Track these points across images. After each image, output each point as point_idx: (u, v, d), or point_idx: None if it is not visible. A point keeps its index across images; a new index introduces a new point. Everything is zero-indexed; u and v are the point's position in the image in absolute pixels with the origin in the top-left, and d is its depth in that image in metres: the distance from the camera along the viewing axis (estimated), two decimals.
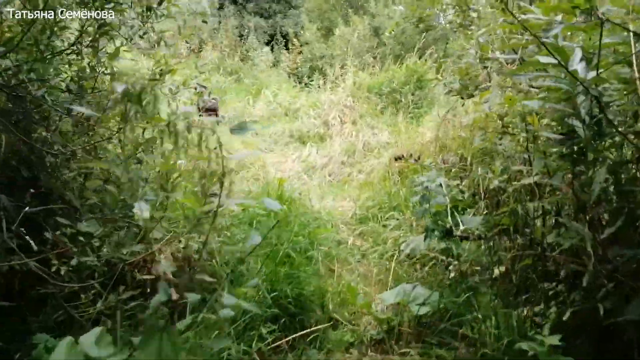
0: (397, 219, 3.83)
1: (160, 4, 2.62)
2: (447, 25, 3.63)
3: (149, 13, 2.59)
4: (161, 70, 2.66)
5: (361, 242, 3.76)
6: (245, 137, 7.68)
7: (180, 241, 2.44)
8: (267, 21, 14.92)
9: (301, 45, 12.70)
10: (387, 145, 6.43)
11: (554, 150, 1.69)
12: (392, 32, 8.85)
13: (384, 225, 3.81)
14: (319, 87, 9.86)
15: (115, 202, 2.02)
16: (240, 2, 14.98)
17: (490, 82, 3.07)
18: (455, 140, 4.59)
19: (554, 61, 1.42)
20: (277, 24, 14.82)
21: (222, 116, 9.31)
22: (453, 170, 3.37)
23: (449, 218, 2.32)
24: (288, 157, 7.13)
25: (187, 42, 13.03)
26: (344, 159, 6.55)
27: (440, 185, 2.31)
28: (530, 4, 3.15)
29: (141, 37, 2.68)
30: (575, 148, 1.55)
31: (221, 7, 14.28)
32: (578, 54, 1.45)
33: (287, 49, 13.41)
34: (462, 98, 3.22)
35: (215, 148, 1.35)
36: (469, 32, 3.31)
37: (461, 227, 2.29)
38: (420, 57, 9.02)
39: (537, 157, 1.66)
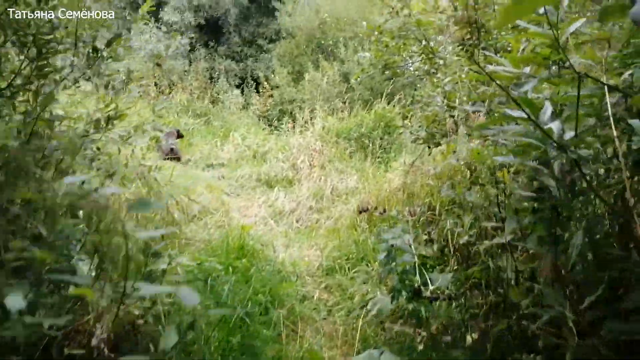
0: (365, 271, 3.66)
1: (108, 45, 2.47)
2: (415, 72, 3.61)
3: (95, 55, 2.43)
4: (108, 115, 2.47)
5: (327, 295, 3.55)
6: (211, 181, 7.45)
7: (122, 304, 2.20)
8: (238, 64, 15.00)
9: (272, 89, 12.75)
10: (356, 191, 6.32)
11: (525, 204, 1.59)
12: (359, 79, 8.93)
13: (352, 278, 3.62)
14: (288, 130, 9.81)
15: (42, 263, 1.78)
16: (211, 45, 15.06)
17: (457, 130, 3.01)
18: (423, 187, 4.51)
19: (524, 115, 1.32)
20: (249, 67, 14.91)
21: (187, 159, 9.10)
22: (421, 219, 3.25)
23: (417, 277, 2.17)
24: (255, 201, 6.93)
25: (156, 84, 12.93)
26: (312, 204, 6.39)
27: (407, 242, 2.17)
28: (496, 53, 3.16)
29: (87, 79, 2.50)
30: (549, 206, 1.44)
31: (192, 50, 14.30)
32: (548, 108, 1.36)
33: (258, 92, 13.44)
34: (429, 147, 3.14)
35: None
36: (436, 80, 3.28)
37: (430, 287, 2.14)
38: (388, 103, 9.13)
39: (509, 215, 1.55)
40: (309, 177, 7.32)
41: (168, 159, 8.50)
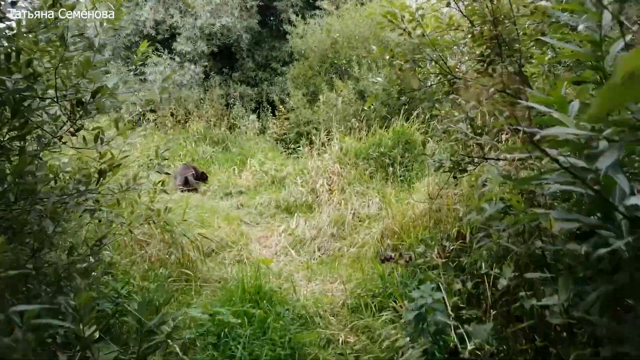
0: (393, 309, 3.39)
1: (93, 96, 2.31)
2: (433, 92, 3.37)
3: (79, 109, 2.27)
4: (100, 169, 2.31)
5: (354, 338, 3.28)
6: (229, 211, 7.29)
7: None
8: (253, 89, 14.98)
9: (287, 112, 12.65)
10: (378, 216, 6.06)
11: (581, 260, 1.33)
12: (372, 106, 8.70)
13: (379, 318, 3.36)
14: (305, 153, 9.64)
15: None
16: (226, 72, 15.11)
17: (484, 157, 2.75)
18: (450, 212, 4.24)
19: (580, 164, 1.07)
20: (264, 91, 14.89)
21: (205, 189, 8.99)
22: (451, 255, 2.98)
23: (453, 333, 1.91)
24: (274, 229, 6.73)
25: (172, 114, 12.98)
26: (333, 230, 6.15)
27: (439, 299, 1.91)
28: (520, 69, 2.90)
29: (73, 134, 2.34)
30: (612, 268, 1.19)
31: (207, 78, 14.36)
32: (623, 181, 1.04)
33: (274, 115, 13.36)
34: (455, 177, 2.89)
35: None
36: (457, 100, 3.04)
37: (468, 345, 1.87)
38: (407, 119, 8.88)
39: (562, 281, 1.29)
40: (329, 202, 7.10)
41: (185, 190, 8.41)
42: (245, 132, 12.49)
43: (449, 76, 3.05)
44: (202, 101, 13.52)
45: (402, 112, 9.29)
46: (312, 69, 13.00)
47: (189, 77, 13.50)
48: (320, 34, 12.66)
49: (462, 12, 3.07)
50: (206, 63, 14.16)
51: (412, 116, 8.76)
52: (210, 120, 12.86)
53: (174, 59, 13.66)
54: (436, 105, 3.36)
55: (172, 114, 12.96)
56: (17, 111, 1.90)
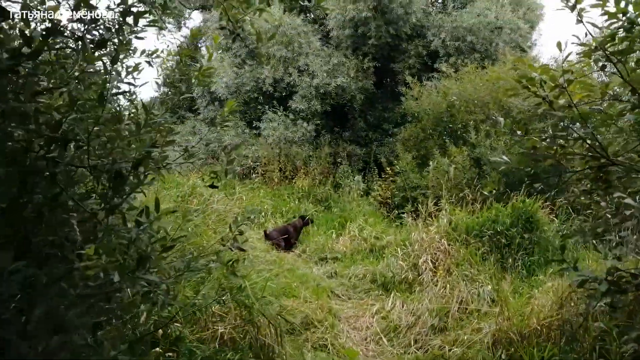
0: None
1: (135, 168, 1.97)
2: (576, 175, 2.61)
3: (119, 181, 1.93)
4: (141, 255, 1.92)
5: None
6: (321, 280, 6.77)
7: None
8: (362, 149, 14.77)
9: (395, 174, 12.09)
10: (490, 312, 5.10)
11: None
12: (493, 192, 7.73)
13: None
14: (410, 222, 8.89)
15: None
16: (337, 130, 15.15)
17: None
18: (590, 329, 3.26)
19: None
20: (372, 151, 14.58)
21: (302, 250, 8.64)
22: None
23: None
24: (367, 309, 6.04)
25: (280, 170, 13.13)
26: (434, 321, 5.29)
27: None
28: None
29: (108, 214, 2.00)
30: None
31: (318, 135, 14.46)
32: None
33: (381, 177, 12.89)
34: (613, 307, 2.07)
35: None
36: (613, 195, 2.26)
37: None
38: (529, 195, 7.79)
39: None
40: (432, 283, 6.26)
41: (281, 250, 8.12)
42: (349, 192, 12.12)
43: (602, 160, 2.30)
44: (310, 158, 13.54)
45: (523, 184, 8.22)
46: (425, 131, 12.42)
47: (300, 134, 13.68)
48: (436, 97, 12.12)
49: (623, 78, 2.34)
50: (319, 121, 14.31)
51: (535, 191, 7.66)
52: (317, 178, 12.74)
53: (288, 116, 14.02)
54: (581, 197, 2.57)
55: (280, 169, 13.10)
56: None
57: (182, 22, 18.80)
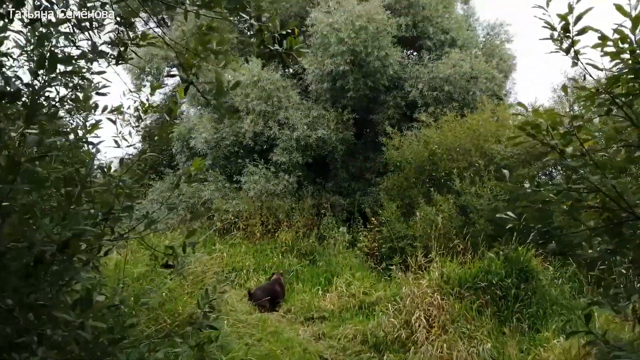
0: None
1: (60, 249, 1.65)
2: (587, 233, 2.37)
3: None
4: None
5: None
6: (307, 344, 6.30)
7: None
8: (345, 199, 14.55)
9: (380, 224, 11.83)
10: None
11: None
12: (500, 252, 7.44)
13: None
14: (399, 274, 8.55)
15: None
16: (319, 181, 14.96)
17: None
18: None
19: None
20: (356, 201, 14.37)
21: (287, 309, 8.17)
22: None
23: None
24: None
25: (262, 223, 12.75)
26: None
27: None
28: None
29: None
30: None
31: (300, 187, 14.24)
32: None
33: (366, 227, 12.60)
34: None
35: None
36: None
37: None
38: (521, 243, 7.58)
39: None
40: (427, 343, 5.86)
41: (264, 310, 7.65)
42: (335, 244, 11.76)
43: (624, 214, 2.08)
44: (293, 210, 13.23)
45: (515, 232, 8.03)
46: (408, 180, 12.31)
47: (282, 186, 13.44)
48: (417, 146, 12.11)
49: (632, 122, 2.16)
50: (300, 173, 14.13)
51: (529, 239, 7.44)
52: (300, 231, 12.39)
53: (269, 168, 13.82)
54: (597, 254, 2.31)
55: (262, 223, 12.73)
56: None
57: (162, 80, 18.79)
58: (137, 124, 3.82)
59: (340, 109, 14.50)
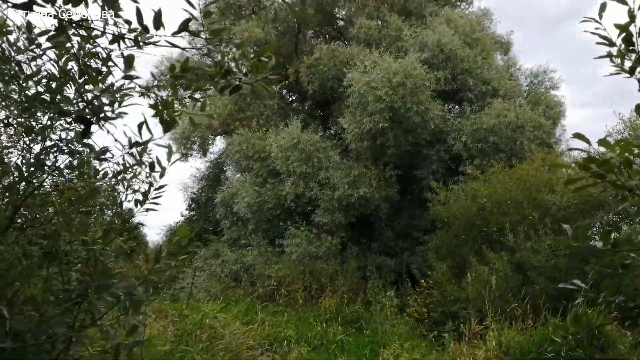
0: None
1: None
2: None
3: None
4: None
5: None
6: None
7: None
8: (392, 260, 13.86)
9: (430, 287, 11.03)
10: None
11: None
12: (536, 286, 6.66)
13: None
14: (452, 343, 7.73)
15: None
16: (363, 242, 14.42)
17: None
18: None
19: None
20: (404, 262, 13.65)
21: None
22: None
23: None
24: None
25: (305, 288, 12.25)
26: None
27: None
28: None
29: None
30: None
31: (344, 249, 13.75)
32: None
33: (415, 290, 11.81)
34: None
35: None
36: None
37: None
38: (589, 303, 6.68)
39: None
40: None
41: None
42: (381, 310, 11.01)
43: None
44: (337, 274, 12.68)
45: (582, 292, 7.12)
46: (457, 237, 11.56)
47: (325, 248, 13.02)
48: (465, 200, 11.46)
49: None
50: (343, 234, 13.70)
51: (599, 299, 6.54)
52: (345, 296, 11.76)
53: (311, 230, 13.50)
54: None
55: (305, 288, 12.23)
56: None
57: (207, 147, 19.37)
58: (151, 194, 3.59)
59: (382, 166, 14.19)
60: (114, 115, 2.00)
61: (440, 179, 13.32)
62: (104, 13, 1.72)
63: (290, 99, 20.48)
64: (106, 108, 2.04)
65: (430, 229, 13.45)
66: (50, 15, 1.60)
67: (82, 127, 1.91)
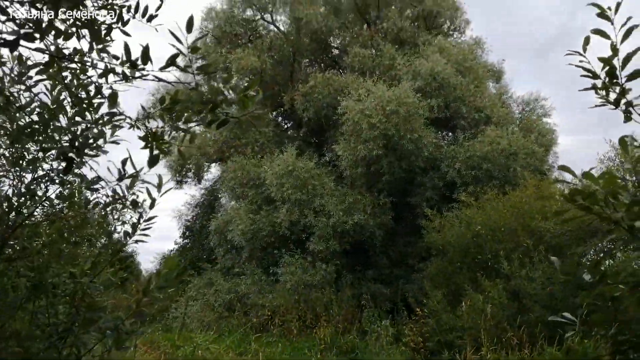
0: None
1: None
2: None
3: None
4: None
5: None
6: None
7: None
8: (387, 288, 13.73)
9: (426, 316, 10.90)
10: None
11: None
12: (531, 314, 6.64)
13: None
14: None
15: None
16: (358, 269, 14.31)
17: None
18: None
19: None
20: (399, 289, 13.54)
21: None
22: None
23: None
24: None
25: (299, 318, 12.08)
26: None
27: None
28: None
29: None
30: None
31: (338, 277, 13.62)
32: None
33: (411, 318, 11.66)
34: None
35: None
36: None
37: None
38: (584, 335, 6.60)
39: None
40: None
41: None
42: (377, 339, 10.84)
43: None
44: (332, 303, 12.53)
45: (577, 318, 7.06)
46: (452, 265, 11.50)
47: (320, 277, 12.90)
48: (459, 227, 11.45)
49: None
50: (338, 262, 13.60)
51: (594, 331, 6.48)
52: (340, 326, 11.60)
53: (306, 258, 13.40)
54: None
55: (299, 317, 12.06)
56: None
57: (202, 175, 19.39)
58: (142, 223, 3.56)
59: (377, 193, 14.22)
60: (97, 153, 2.01)
61: (434, 206, 13.33)
62: (93, 48, 1.75)
63: (286, 126, 20.65)
64: (97, 140, 2.05)
65: (425, 256, 13.38)
66: (41, 51, 1.62)
67: (65, 163, 1.91)
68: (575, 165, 2.08)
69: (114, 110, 1.83)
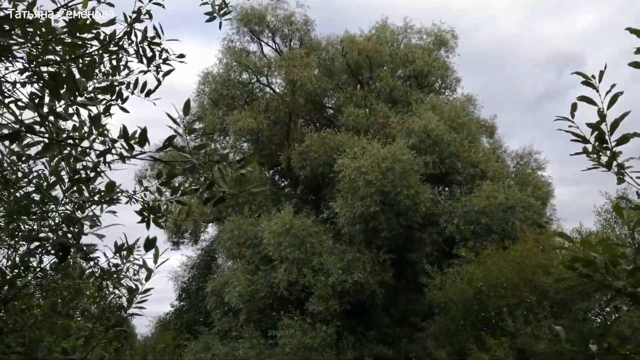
0: None
1: None
2: None
3: None
4: None
5: None
6: None
7: None
8: (390, 349, 13.30)
9: None
10: None
11: None
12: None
13: None
14: None
15: None
16: (359, 330, 13.89)
17: None
18: None
19: None
20: (402, 349, 13.10)
21: None
22: None
23: None
24: None
25: None
26: None
27: None
28: None
29: None
30: None
31: (339, 339, 13.20)
32: None
33: None
34: None
35: None
36: None
37: None
38: None
39: None
40: None
41: None
42: None
43: None
44: None
45: None
46: (455, 323, 11.21)
47: (320, 339, 12.51)
48: (461, 284, 11.26)
49: None
50: (339, 322, 13.24)
51: None
52: None
53: (305, 319, 13.05)
54: None
55: None
56: None
57: (198, 235, 19.26)
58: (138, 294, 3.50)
59: (376, 250, 14.08)
60: (91, 244, 2.02)
61: (434, 262, 13.18)
62: (91, 130, 1.80)
63: (283, 184, 20.78)
64: (92, 228, 2.06)
65: (427, 314, 13.06)
66: (40, 135, 1.67)
67: (60, 254, 1.91)
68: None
69: (112, 196, 1.86)
